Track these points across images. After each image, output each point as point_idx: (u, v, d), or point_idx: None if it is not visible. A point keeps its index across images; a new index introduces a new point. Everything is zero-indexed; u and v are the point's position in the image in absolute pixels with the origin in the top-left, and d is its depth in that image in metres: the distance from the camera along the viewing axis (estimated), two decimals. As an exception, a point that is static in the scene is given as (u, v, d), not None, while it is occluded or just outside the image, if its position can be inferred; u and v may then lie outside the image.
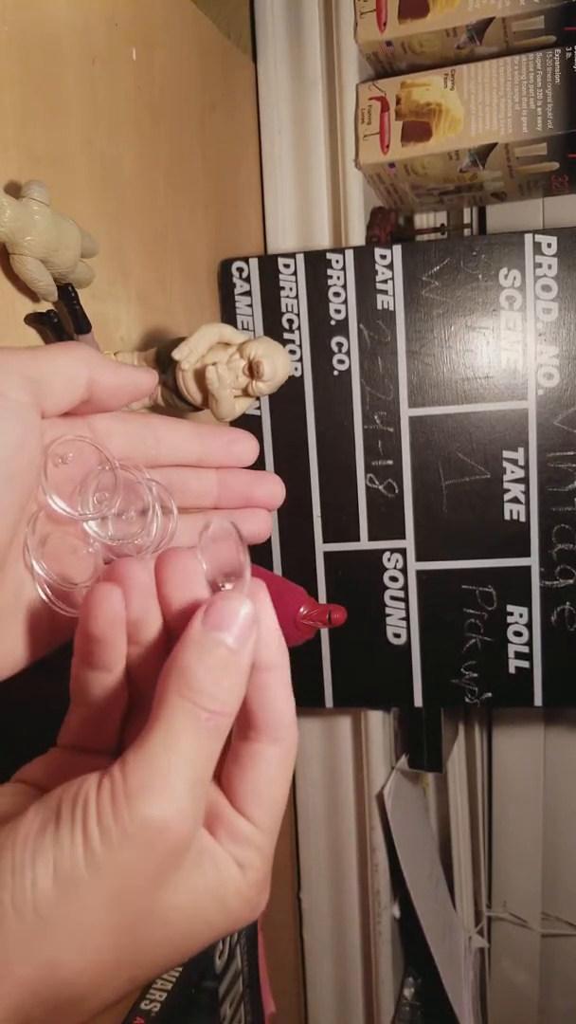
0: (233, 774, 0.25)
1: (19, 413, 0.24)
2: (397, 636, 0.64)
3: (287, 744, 0.25)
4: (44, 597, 0.27)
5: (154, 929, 0.22)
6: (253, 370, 0.44)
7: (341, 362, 0.62)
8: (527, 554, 0.61)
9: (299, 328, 0.62)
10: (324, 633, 0.65)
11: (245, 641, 0.23)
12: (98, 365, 0.27)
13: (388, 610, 0.64)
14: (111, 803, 0.21)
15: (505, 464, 0.60)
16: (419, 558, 0.62)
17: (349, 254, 0.61)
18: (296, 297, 0.62)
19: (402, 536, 0.63)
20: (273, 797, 0.25)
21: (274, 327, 0.62)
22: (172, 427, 0.31)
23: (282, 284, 0.62)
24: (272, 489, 0.32)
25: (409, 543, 0.63)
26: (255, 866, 0.24)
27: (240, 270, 0.62)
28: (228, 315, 0.63)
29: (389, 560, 0.63)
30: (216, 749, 0.23)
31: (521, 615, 0.62)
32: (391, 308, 0.60)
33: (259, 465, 0.34)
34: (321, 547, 0.64)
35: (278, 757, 0.24)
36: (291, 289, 0.62)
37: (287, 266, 0.61)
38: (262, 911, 0.25)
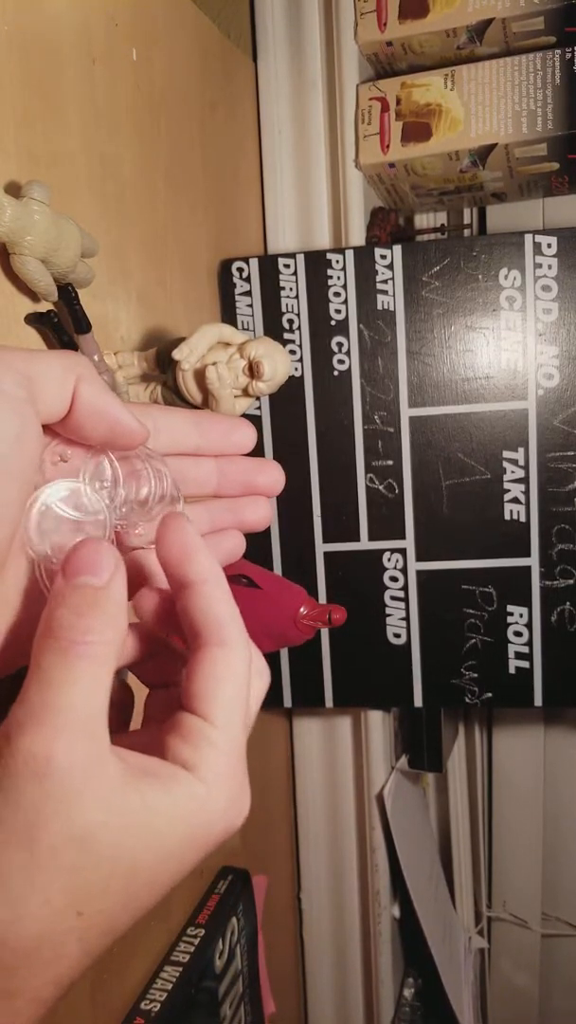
0: (187, 683, 0.25)
1: (16, 407, 0.24)
2: (397, 636, 0.64)
3: (235, 646, 0.25)
4: (48, 591, 0.27)
5: (84, 859, 0.22)
6: (253, 370, 0.44)
7: (341, 362, 0.62)
8: (527, 554, 0.61)
9: (299, 328, 0.62)
10: (324, 633, 0.65)
11: (109, 575, 0.24)
12: (87, 377, 0.26)
13: (388, 610, 0.64)
14: None
15: (505, 464, 0.60)
16: (419, 558, 0.62)
17: (349, 254, 0.61)
18: (296, 297, 0.62)
19: (402, 536, 0.63)
20: (226, 694, 0.24)
21: (274, 327, 0.62)
22: (170, 416, 0.31)
23: (282, 284, 0.62)
24: (272, 476, 0.32)
25: (409, 543, 0.63)
26: (210, 763, 0.24)
27: (240, 270, 0.62)
28: (228, 315, 0.63)
29: (389, 560, 0.63)
30: (99, 674, 0.23)
31: (521, 615, 0.62)
32: (391, 308, 0.60)
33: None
34: (321, 547, 0.64)
35: (224, 656, 0.25)
36: (291, 289, 0.62)
37: (287, 266, 0.62)
38: (233, 824, 0.24)
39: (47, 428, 0.27)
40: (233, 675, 0.25)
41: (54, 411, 0.26)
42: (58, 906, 0.21)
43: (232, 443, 0.31)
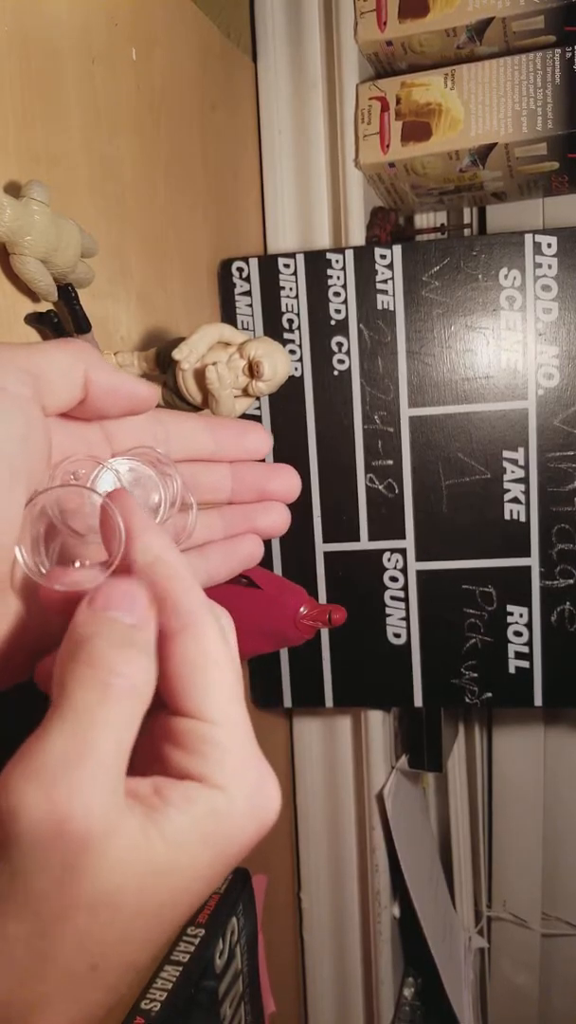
0: (163, 682, 0.22)
1: (21, 406, 0.24)
2: (397, 636, 0.64)
3: (199, 624, 0.22)
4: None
5: (97, 923, 0.19)
6: (253, 370, 0.44)
7: (341, 362, 0.62)
8: (527, 554, 0.61)
9: (299, 328, 0.62)
10: (324, 633, 0.65)
11: (142, 614, 0.22)
12: (94, 363, 0.26)
13: (388, 610, 0.64)
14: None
15: (505, 464, 0.60)
16: (419, 558, 0.62)
17: (349, 254, 0.61)
18: (296, 297, 0.62)
19: (402, 536, 0.63)
20: (210, 682, 0.22)
21: (274, 327, 0.62)
22: (182, 421, 0.30)
23: (282, 284, 0.62)
24: (288, 481, 0.32)
25: (409, 543, 0.63)
26: (220, 766, 0.21)
27: (240, 270, 0.62)
28: (228, 315, 0.63)
29: (389, 560, 0.63)
30: (134, 716, 0.21)
31: (521, 615, 0.62)
32: (391, 308, 0.60)
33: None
34: (321, 547, 0.64)
35: (192, 640, 0.22)
36: (291, 289, 0.62)
37: (287, 266, 0.61)
38: (263, 822, 0.22)
39: (66, 414, 0.27)
40: (210, 658, 0.22)
41: (65, 401, 0.26)
42: (69, 966, 0.19)
43: (245, 448, 0.31)
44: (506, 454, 0.60)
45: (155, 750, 0.22)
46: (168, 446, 0.30)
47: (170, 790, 0.21)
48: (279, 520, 0.32)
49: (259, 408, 0.63)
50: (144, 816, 0.20)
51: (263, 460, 0.32)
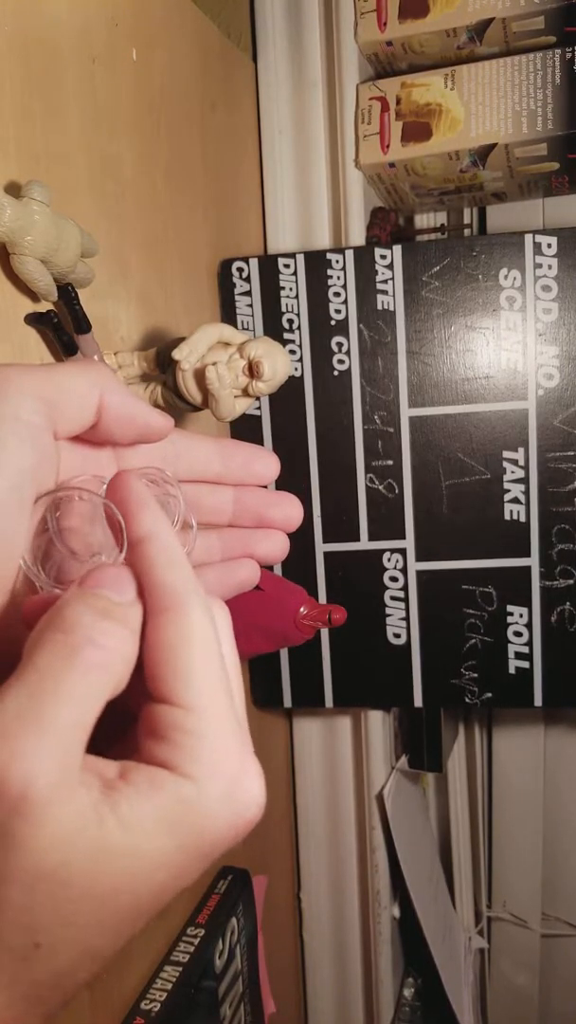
0: (145, 666, 0.22)
1: (34, 436, 0.23)
2: (397, 636, 0.64)
3: (183, 606, 0.22)
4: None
5: (35, 899, 0.19)
6: (253, 370, 0.44)
7: (341, 362, 0.62)
8: (527, 554, 0.61)
9: (299, 328, 0.62)
10: (324, 633, 0.65)
11: (132, 596, 0.22)
12: (111, 389, 0.26)
13: (388, 610, 0.64)
14: None
15: (505, 464, 0.60)
16: (419, 558, 0.62)
17: (349, 254, 0.61)
18: (296, 297, 0.62)
19: (402, 536, 0.63)
20: (188, 666, 0.21)
21: (274, 327, 0.62)
22: (193, 442, 0.30)
23: (282, 284, 0.62)
24: (288, 511, 0.31)
25: (409, 543, 0.63)
26: (193, 755, 0.21)
27: (240, 270, 0.62)
28: (228, 315, 0.63)
29: (389, 560, 0.63)
30: (101, 690, 0.20)
31: (521, 615, 0.62)
32: (391, 308, 0.60)
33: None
34: (321, 547, 0.64)
35: (173, 622, 0.22)
36: (291, 289, 0.62)
37: (287, 266, 0.62)
38: (241, 816, 0.21)
39: (76, 437, 0.27)
40: (191, 641, 0.21)
41: (78, 426, 0.26)
42: (7, 941, 0.19)
43: (253, 473, 0.31)
44: (506, 454, 0.60)
45: (138, 741, 0.22)
46: (176, 465, 0.29)
47: (136, 774, 0.21)
48: (277, 548, 0.32)
49: (259, 408, 0.63)
50: (100, 795, 0.20)
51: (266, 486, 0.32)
